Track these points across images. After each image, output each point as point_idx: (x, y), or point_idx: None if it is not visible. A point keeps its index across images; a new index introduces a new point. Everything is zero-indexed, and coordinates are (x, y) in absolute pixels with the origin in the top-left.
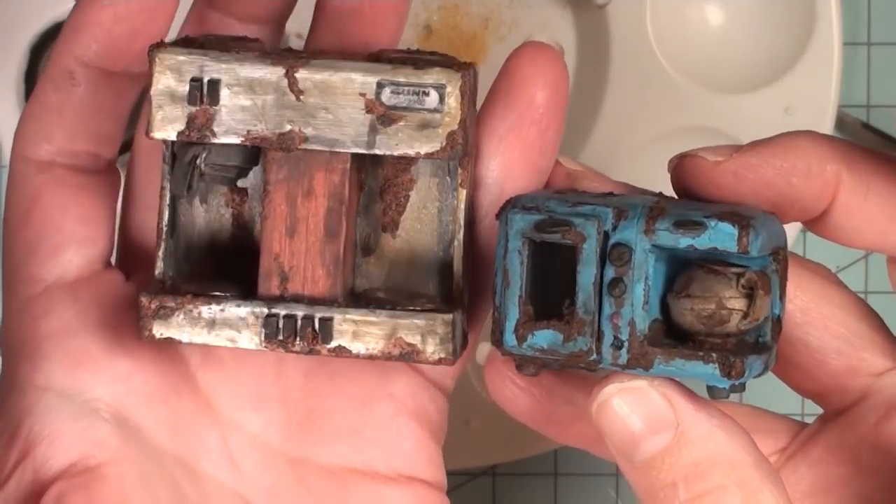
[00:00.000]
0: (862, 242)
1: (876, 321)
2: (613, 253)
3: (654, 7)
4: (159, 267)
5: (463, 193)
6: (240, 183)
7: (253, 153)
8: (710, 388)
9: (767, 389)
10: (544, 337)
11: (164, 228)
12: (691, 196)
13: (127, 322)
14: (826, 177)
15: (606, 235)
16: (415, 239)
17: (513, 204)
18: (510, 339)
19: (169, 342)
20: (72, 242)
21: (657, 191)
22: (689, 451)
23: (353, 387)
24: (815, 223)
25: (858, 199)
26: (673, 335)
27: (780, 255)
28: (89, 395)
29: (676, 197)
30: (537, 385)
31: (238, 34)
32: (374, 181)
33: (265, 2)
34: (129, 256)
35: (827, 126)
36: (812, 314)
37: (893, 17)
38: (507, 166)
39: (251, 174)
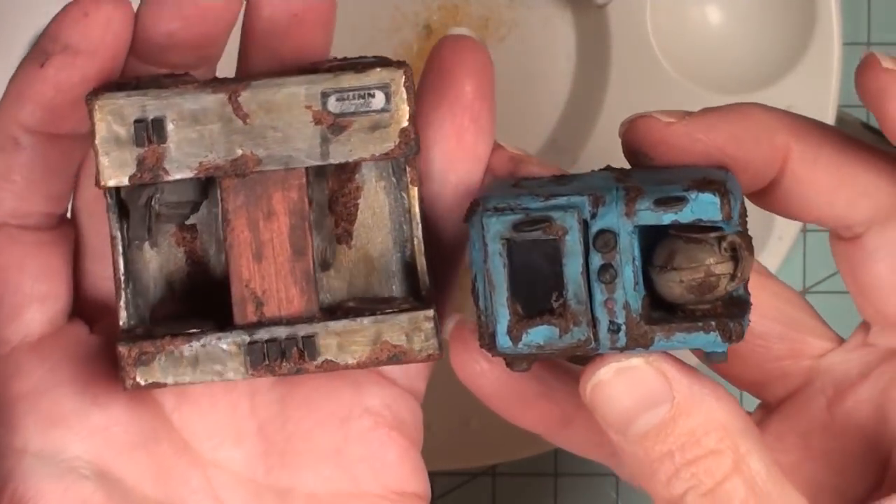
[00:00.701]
0: (809, 214)
1: (808, 307)
2: (599, 240)
3: (654, 7)
4: (122, 317)
5: (415, 191)
6: (188, 220)
7: (204, 186)
8: (709, 355)
9: None
10: (540, 333)
11: (122, 278)
12: (641, 159)
13: (97, 374)
14: (776, 143)
15: (586, 223)
16: (370, 245)
17: (483, 207)
18: (504, 340)
19: (154, 387)
20: (32, 301)
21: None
22: (685, 421)
23: (329, 406)
24: (765, 194)
25: (807, 167)
26: (658, 306)
27: (744, 210)
28: (68, 453)
29: (629, 166)
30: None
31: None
32: (321, 195)
33: (195, 53)
34: (86, 306)
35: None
36: (752, 302)
37: (893, 17)
38: (447, 156)
39: (201, 208)
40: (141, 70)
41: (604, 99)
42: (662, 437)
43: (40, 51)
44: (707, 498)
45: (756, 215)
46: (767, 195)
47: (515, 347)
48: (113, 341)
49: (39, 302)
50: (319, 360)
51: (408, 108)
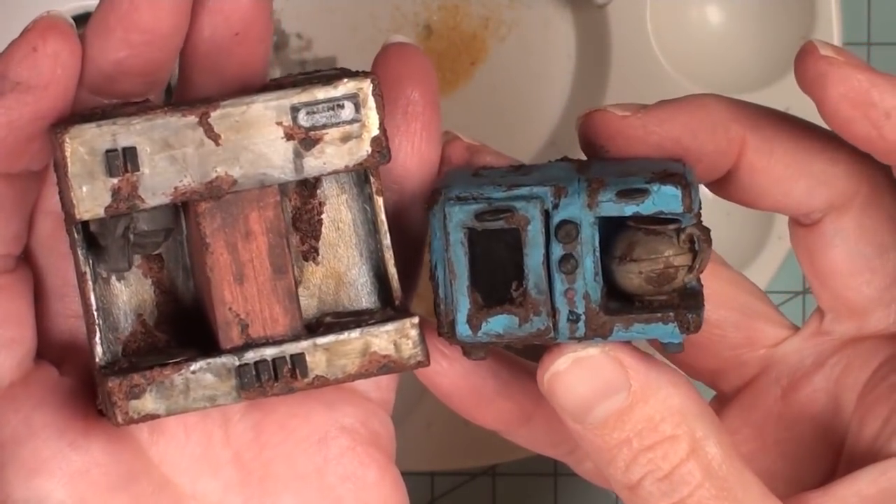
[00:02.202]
0: (767, 203)
1: (763, 296)
2: (561, 231)
3: (654, 7)
4: (98, 353)
5: (380, 202)
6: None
7: (175, 213)
8: (666, 345)
9: None
10: (499, 322)
11: (95, 315)
12: (597, 151)
13: (72, 417)
14: (731, 135)
15: (548, 214)
16: (337, 259)
17: (444, 196)
18: (464, 329)
19: (148, 419)
20: None
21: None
22: (642, 408)
23: (304, 429)
24: (722, 184)
25: (763, 158)
26: (616, 297)
27: (699, 205)
28: (51, 500)
29: (585, 157)
30: (463, 358)
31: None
32: (285, 214)
33: (143, 80)
34: (50, 347)
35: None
36: (707, 291)
37: (893, 17)
38: (402, 164)
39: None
40: (92, 102)
41: (604, 99)
42: (620, 425)
43: None
44: (664, 482)
45: (756, 215)
46: (724, 185)
47: (475, 336)
48: (89, 379)
49: (6, 348)
50: (311, 376)
51: (377, 117)
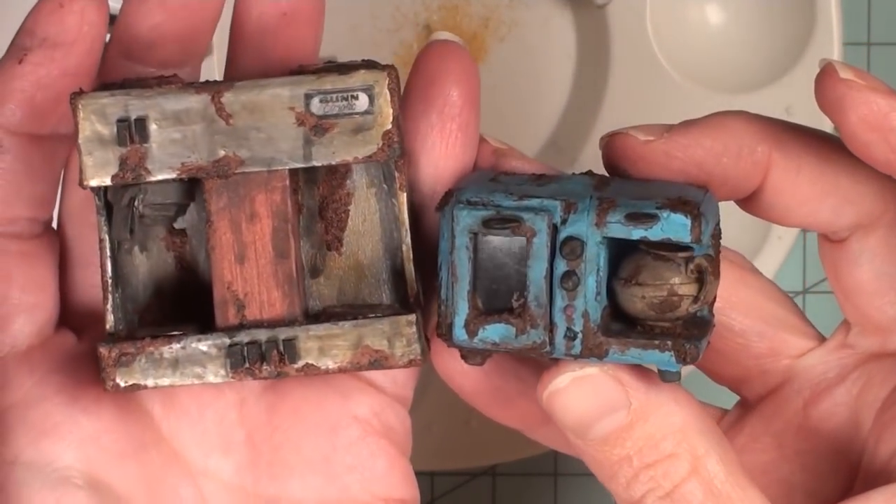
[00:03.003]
0: (794, 220)
1: (792, 305)
2: (566, 247)
3: (654, 7)
4: (109, 321)
5: (403, 197)
6: (177, 224)
7: (189, 189)
8: (662, 372)
9: None
10: (496, 331)
11: (109, 282)
12: (621, 173)
13: (86, 383)
14: (756, 157)
15: (555, 228)
16: (361, 252)
17: (456, 198)
18: (460, 333)
19: (134, 389)
20: (20, 311)
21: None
22: (642, 426)
23: (317, 415)
24: (747, 202)
25: (789, 178)
26: (619, 317)
27: (717, 232)
28: (59, 463)
29: (607, 174)
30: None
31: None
32: (312, 201)
33: (180, 47)
34: (74, 315)
35: (828, 126)
36: (733, 299)
37: (893, 17)
38: (435, 165)
39: (189, 212)
40: (129, 70)
41: (604, 99)
42: (620, 442)
43: (18, 48)
44: (666, 501)
45: None
46: (751, 203)
47: (471, 341)
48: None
49: (27, 312)
50: (300, 363)
51: (391, 111)
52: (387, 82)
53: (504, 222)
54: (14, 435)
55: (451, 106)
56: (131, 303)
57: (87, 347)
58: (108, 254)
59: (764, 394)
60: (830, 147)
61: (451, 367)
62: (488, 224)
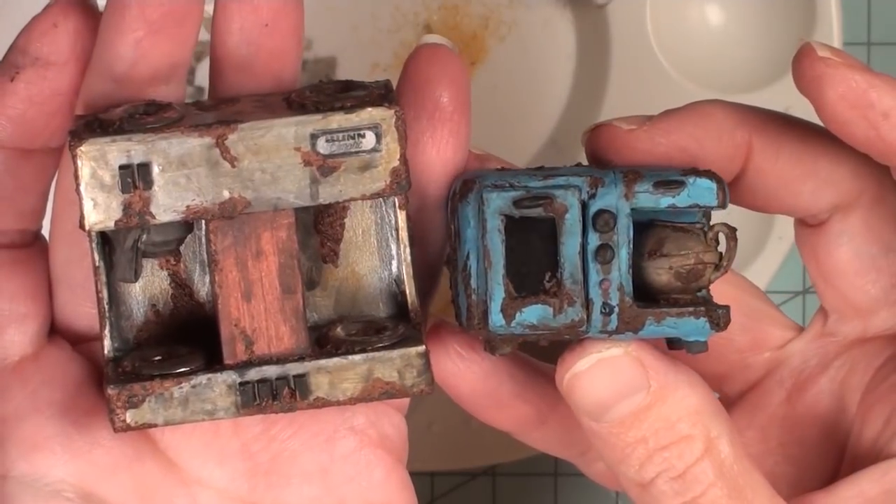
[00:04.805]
0: (775, 205)
1: (766, 297)
2: (599, 220)
3: (654, 7)
4: (107, 347)
5: (403, 215)
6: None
7: (190, 223)
8: (690, 344)
9: None
10: (534, 312)
11: (106, 308)
12: (604, 165)
13: (80, 396)
14: (737, 140)
15: (583, 204)
16: (357, 263)
17: (480, 184)
18: (498, 318)
19: (145, 428)
20: (11, 322)
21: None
22: (660, 408)
23: (313, 426)
24: (732, 189)
25: (769, 161)
26: (641, 296)
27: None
28: (51, 477)
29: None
30: (481, 360)
31: (143, 99)
32: (307, 215)
33: (165, 66)
34: (69, 325)
35: None
36: (713, 294)
37: (893, 17)
38: (426, 170)
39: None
40: (117, 95)
41: (604, 99)
42: (637, 424)
43: (9, 64)
44: (677, 481)
45: (756, 215)
46: (733, 190)
47: (508, 326)
48: (98, 369)
49: (18, 323)
50: (311, 398)
51: (399, 148)
52: (394, 120)
53: (535, 200)
54: (6, 448)
55: (441, 110)
56: (126, 321)
57: (82, 359)
58: (104, 281)
59: (746, 389)
60: (808, 130)
61: (445, 370)
62: (519, 204)
